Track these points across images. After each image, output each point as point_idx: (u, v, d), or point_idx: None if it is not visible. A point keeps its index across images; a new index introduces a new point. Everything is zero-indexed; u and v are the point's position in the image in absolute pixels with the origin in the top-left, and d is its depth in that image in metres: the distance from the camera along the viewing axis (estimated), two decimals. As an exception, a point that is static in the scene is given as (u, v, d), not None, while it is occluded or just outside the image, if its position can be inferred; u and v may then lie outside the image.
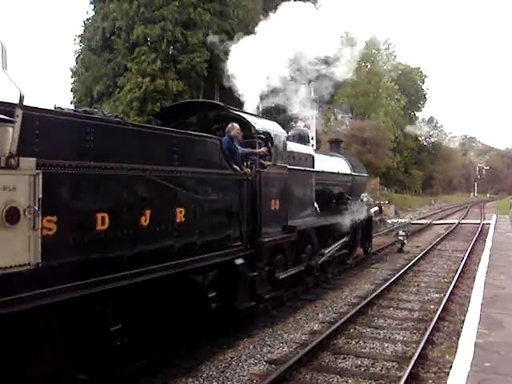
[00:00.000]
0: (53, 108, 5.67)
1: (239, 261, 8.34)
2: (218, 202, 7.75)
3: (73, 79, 31.07)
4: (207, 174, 7.51)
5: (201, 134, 8.18)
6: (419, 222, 32.13)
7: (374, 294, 11.36)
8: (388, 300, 11.41)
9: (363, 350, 8.11)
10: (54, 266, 4.86)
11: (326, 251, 12.78)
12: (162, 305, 6.91)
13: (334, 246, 13.39)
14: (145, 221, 6.13)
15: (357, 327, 9.32)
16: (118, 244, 5.74)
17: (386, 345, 8.33)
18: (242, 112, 9.91)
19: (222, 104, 10.24)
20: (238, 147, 8.71)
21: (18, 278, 4.35)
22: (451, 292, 11.56)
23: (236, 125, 8.80)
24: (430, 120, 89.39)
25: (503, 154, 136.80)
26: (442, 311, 9.92)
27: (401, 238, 19.03)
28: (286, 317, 9.93)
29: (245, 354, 7.85)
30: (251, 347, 8.18)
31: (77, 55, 30.98)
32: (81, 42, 30.94)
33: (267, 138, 9.52)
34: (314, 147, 18.95)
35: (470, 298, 9.52)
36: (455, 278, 13.02)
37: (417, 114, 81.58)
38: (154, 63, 26.48)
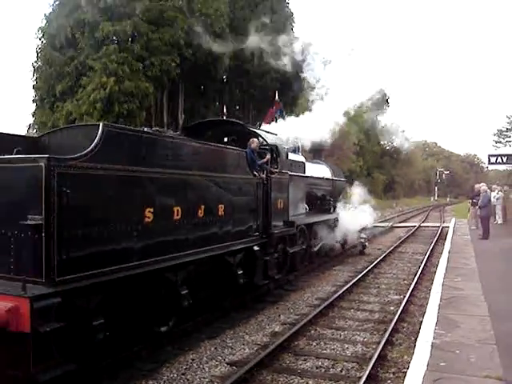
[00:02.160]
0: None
1: (256, 247, 10.52)
2: (243, 200, 9.98)
3: (35, 76, 30.06)
4: (238, 178, 9.78)
5: (235, 148, 10.15)
6: (381, 224, 32.53)
7: (335, 296, 11.48)
8: (349, 302, 11.55)
9: (324, 351, 8.19)
10: (149, 245, 6.99)
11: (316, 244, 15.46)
12: (210, 278, 9.26)
13: (321, 241, 15.88)
14: (200, 213, 8.32)
15: (318, 329, 9.41)
16: (185, 230, 7.87)
17: (347, 346, 8.43)
18: (256, 128, 12.47)
19: (240, 122, 12.99)
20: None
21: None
22: (411, 294, 11.77)
23: (256, 140, 10.87)
24: (393, 125, 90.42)
25: (462, 159, 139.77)
26: (401, 312, 10.09)
27: (362, 240, 19.26)
28: (247, 318, 9.97)
29: (206, 356, 7.85)
30: (212, 349, 8.18)
31: (39, 50, 29.90)
32: (43, 36, 29.78)
33: (275, 149, 11.85)
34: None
35: (428, 299, 9.69)
36: (415, 280, 13.26)
37: (379, 118, 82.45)
38: (123, 64, 25.73)
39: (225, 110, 30.48)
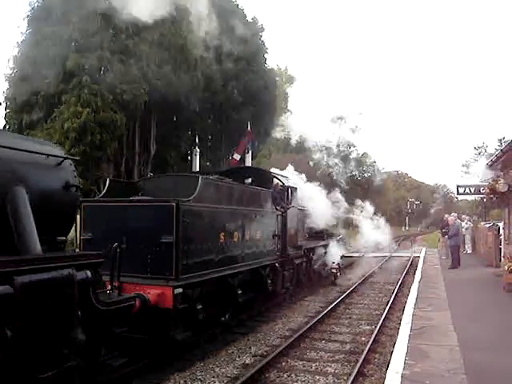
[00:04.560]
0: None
1: (277, 264, 13.62)
2: (270, 228, 13.24)
3: (4, 105, 29.47)
4: (267, 211, 12.99)
5: (266, 189, 13.39)
6: (352, 254, 32.61)
7: (306, 327, 11.42)
8: (320, 332, 11.49)
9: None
10: (221, 258, 10.24)
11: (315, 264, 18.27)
12: (249, 284, 11.90)
13: (318, 262, 18.48)
14: (247, 236, 11.61)
15: (289, 360, 9.32)
16: (239, 248, 11.15)
17: (318, 377, 8.35)
18: (275, 173, 15.70)
19: (264, 168, 18.07)
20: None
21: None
22: (382, 324, 11.78)
23: (279, 182, 14.54)
24: (364, 156, 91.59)
25: (432, 189, 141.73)
26: (372, 343, 10.06)
27: (334, 270, 19.24)
28: (218, 350, 9.82)
29: (175, 390, 7.69)
30: (182, 382, 8.03)
31: (9, 80, 29.37)
32: (14, 66, 29.24)
33: (288, 189, 15.14)
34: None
35: (399, 329, 9.69)
36: (386, 310, 13.29)
37: (350, 149, 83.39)
38: (96, 96, 25.44)
39: (197, 140, 30.47)
